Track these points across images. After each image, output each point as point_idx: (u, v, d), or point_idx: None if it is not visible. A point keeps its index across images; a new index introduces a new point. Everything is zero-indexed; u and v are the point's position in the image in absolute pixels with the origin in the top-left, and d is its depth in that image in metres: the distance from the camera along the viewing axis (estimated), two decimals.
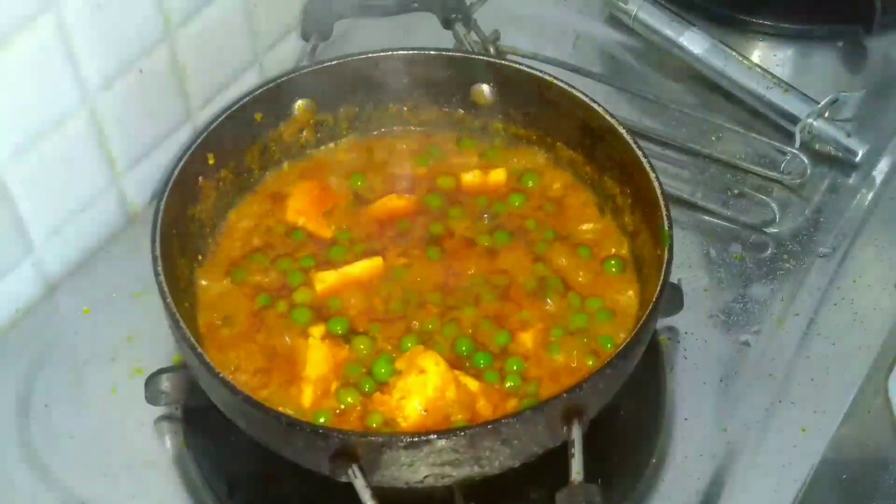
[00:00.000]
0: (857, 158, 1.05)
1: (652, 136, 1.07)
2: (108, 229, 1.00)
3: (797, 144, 1.04)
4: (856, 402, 0.87)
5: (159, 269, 0.76)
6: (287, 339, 0.82)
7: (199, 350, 0.73)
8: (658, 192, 0.80)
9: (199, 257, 0.87)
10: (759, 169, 1.04)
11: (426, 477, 0.71)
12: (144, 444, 0.85)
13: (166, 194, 0.81)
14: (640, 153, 0.83)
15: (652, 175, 0.82)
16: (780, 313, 0.93)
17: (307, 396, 0.78)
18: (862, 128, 1.08)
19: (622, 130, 0.85)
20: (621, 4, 1.18)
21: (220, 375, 0.71)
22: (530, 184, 0.92)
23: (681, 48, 1.14)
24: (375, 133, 0.97)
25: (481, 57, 0.93)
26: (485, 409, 0.77)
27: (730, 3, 1.20)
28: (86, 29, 0.88)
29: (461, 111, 0.96)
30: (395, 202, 0.91)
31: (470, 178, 0.93)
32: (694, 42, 1.13)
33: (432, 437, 0.68)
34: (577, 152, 0.91)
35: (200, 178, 0.87)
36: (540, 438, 0.71)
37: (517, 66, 0.91)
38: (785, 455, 0.83)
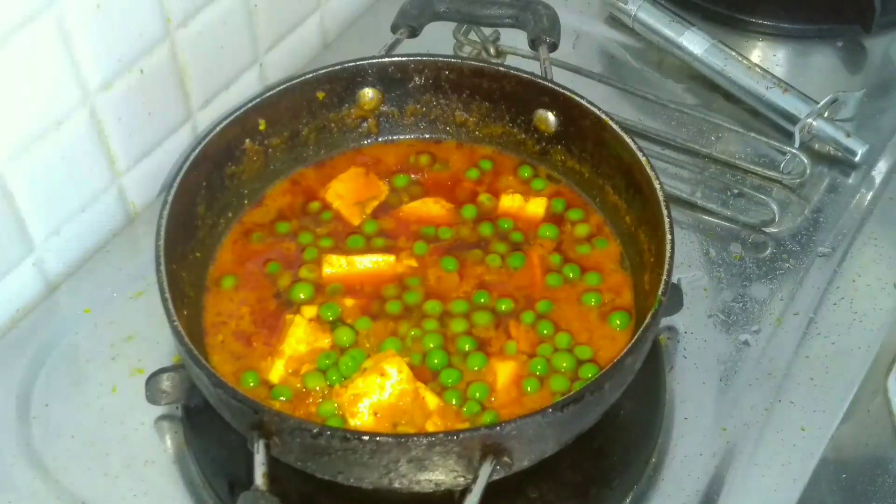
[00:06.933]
0: (857, 158, 1.05)
1: (652, 136, 1.07)
2: (109, 229, 1.00)
3: (797, 144, 1.04)
4: (855, 402, 0.87)
5: (162, 233, 0.79)
6: (276, 308, 0.84)
7: (175, 319, 0.74)
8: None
9: (230, 214, 0.90)
10: (758, 169, 1.04)
11: (339, 474, 0.71)
12: (145, 444, 0.85)
13: (195, 154, 0.84)
14: (666, 215, 0.80)
15: (667, 236, 0.79)
16: (780, 313, 0.93)
17: (276, 370, 0.80)
18: (861, 128, 1.08)
19: (657, 185, 0.82)
20: (621, 4, 1.18)
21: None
22: (567, 219, 0.91)
23: (681, 48, 1.14)
24: (437, 137, 0.98)
25: (549, 84, 0.91)
26: (434, 427, 0.76)
27: (729, 3, 1.21)
28: (86, 29, 0.88)
29: (524, 134, 0.95)
30: (429, 206, 0.92)
31: (509, 201, 0.92)
32: (694, 42, 1.13)
33: (327, 432, 0.67)
34: (622, 200, 0.89)
35: (247, 141, 0.90)
36: (451, 467, 0.69)
37: (578, 98, 0.89)
38: (784, 455, 0.83)
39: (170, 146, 1.03)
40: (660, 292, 0.76)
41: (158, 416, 0.86)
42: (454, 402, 0.78)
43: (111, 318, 0.93)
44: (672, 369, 0.89)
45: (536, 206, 0.92)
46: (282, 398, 0.78)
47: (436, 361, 0.80)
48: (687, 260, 0.97)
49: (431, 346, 0.81)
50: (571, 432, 0.74)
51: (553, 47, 0.96)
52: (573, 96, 0.90)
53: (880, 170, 1.06)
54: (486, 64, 0.99)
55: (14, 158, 0.88)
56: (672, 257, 0.78)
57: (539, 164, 0.95)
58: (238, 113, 0.88)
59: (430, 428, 0.76)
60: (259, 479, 0.67)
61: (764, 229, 1.00)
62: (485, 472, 0.68)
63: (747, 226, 1.00)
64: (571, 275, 0.87)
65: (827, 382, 0.88)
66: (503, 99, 0.95)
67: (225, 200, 0.90)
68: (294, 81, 0.91)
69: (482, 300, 0.85)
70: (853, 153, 1.05)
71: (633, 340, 0.74)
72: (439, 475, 0.70)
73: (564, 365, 0.80)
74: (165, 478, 0.83)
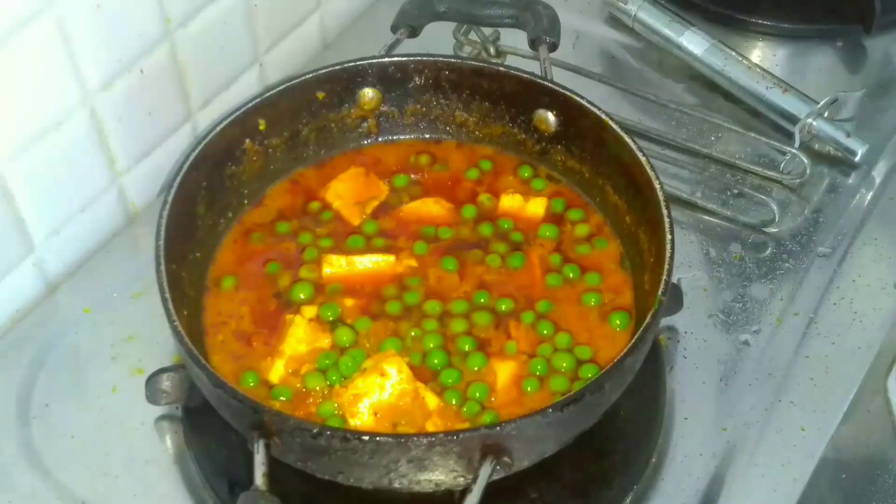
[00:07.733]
0: (857, 158, 1.05)
1: (652, 136, 1.07)
2: (108, 229, 1.00)
3: (797, 144, 1.04)
4: (855, 402, 0.87)
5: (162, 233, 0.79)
6: (276, 308, 0.84)
7: (175, 319, 0.74)
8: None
9: (230, 214, 0.90)
10: (758, 169, 1.04)
11: (339, 474, 0.71)
12: (145, 444, 0.85)
13: (195, 153, 0.84)
14: (667, 215, 0.80)
15: (667, 236, 0.79)
16: (780, 313, 0.93)
17: (276, 371, 0.80)
18: (861, 128, 1.08)
19: (657, 185, 0.82)
20: (621, 4, 1.18)
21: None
22: (567, 219, 0.91)
23: (681, 48, 1.14)
24: (437, 137, 0.98)
25: (549, 84, 0.91)
26: (434, 427, 0.76)
27: (729, 3, 1.21)
28: (86, 29, 0.88)
29: (523, 134, 0.95)
30: (429, 206, 0.92)
31: (509, 200, 0.92)
32: (694, 42, 1.13)
33: (327, 432, 0.67)
34: (622, 199, 0.88)
35: (247, 141, 0.90)
36: (451, 467, 0.69)
37: (578, 98, 0.89)
38: (784, 455, 0.83)
39: (170, 146, 1.03)
40: (660, 292, 0.76)
41: (158, 416, 0.86)
42: (454, 402, 0.78)
43: (111, 318, 0.93)
44: (672, 369, 0.89)
45: (536, 206, 0.92)
46: (282, 398, 0.78)
47: (436, 361, 0.80)
48: (687, 260, 0.97)
49: (431, 346, 0.81)
50: (571, 432, 0.74)
51: (553, 47, 0.97)
52: (573, 96, 0.90)
53: (880, 170, 1.06)
54: (486, 64, 0.99)
55: (14, 158, 0.88)
56: (672, 257, 0.78)
57: (539, 164, 0.95)
58: (238, 113, 0.88)
59: (430, 428, 0.76)
60: (259, 479, 0.67)
61: (764, 229, 1.00)
62: (485, 472, 0.68)
63: (747, 226, 1.00)
64: (571, 275, 0.87)
65: (827, 382, 0.88)
66: (503, 99, 0.95)
67: (225, 200, 0.90)
68: (294, 81, 0.92)
69: (482, 300, 0.85)
70: (853, 153, 1.05)
71: (633, 340, 0.74)
72: (439, 475, 0.70)
73: (564, 365, 0.80)
74: (165, 478, 0.83)
